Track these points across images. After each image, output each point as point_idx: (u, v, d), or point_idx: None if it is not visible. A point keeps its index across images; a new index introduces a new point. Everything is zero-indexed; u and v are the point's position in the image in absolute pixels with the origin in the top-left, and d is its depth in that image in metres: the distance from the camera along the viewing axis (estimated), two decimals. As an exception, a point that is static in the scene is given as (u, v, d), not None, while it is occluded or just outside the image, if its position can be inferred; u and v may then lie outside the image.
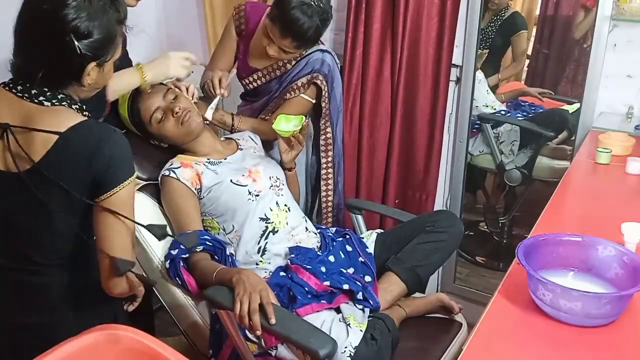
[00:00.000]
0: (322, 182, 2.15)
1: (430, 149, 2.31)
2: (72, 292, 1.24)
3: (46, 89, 1.14)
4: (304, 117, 1.80)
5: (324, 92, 1.98)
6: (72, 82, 1.17)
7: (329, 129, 2.08)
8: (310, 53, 1.94)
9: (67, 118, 1.14)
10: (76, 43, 1.09)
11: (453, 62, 2.28)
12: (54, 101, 1.15)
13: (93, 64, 1.14)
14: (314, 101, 2.01)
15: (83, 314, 1.24)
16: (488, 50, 2.68)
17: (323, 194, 2.16)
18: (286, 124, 1.80)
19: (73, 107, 1.17)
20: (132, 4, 1.71)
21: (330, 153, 2.11)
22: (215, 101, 1.85)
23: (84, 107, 1.21)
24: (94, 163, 1.12)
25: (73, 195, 1.13)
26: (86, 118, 1.18)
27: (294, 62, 1.95)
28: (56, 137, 1.11)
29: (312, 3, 1.73)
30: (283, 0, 1.74)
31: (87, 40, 1.10)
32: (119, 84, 1.58)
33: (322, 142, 2.10)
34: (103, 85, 1.27)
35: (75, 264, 1.23)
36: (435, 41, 2.18)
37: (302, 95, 1.97)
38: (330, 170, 2.14)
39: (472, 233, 2.95)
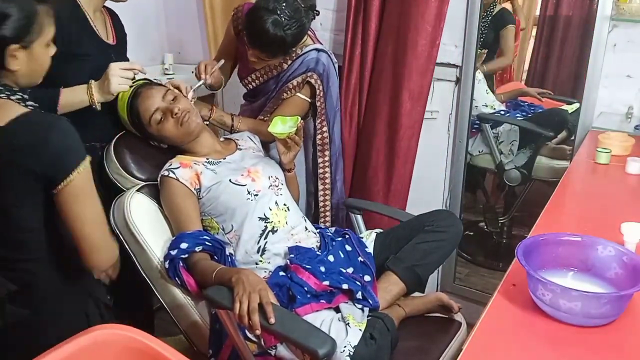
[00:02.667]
0: (320, 182, 2.15)
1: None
2: (53, 287, 1.22)
3: None
4: (299, 118, 1.80)
5: (318, 91, 1.98)
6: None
7: (325, 128, 2.08)
8: (306, 52, 1.94)
9: (7, 111, 1.12)
10: None
11: (453, 62, 2.28)
12: None
13: (15, 45, 1.12)
14: (310, 100, 2.01)
15: (59, 309, 1.23)
16: (483, 48, 2.68)
17: (320, 192, 2.16)
18: (282, 125, 1.80)
19: (12, 98, 1.14)
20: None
21: (327, 152, 2.11)
22: (198, 84, 1.88)
23: (26, 96, 1.18)
24: (41, 155, 1.10)
25: (26, 189, 1.11)
26: (28, 109, 1.14)
27: (290, 62, 1.95)
28: None
29: (280, 15, 1.72)
30: (251, 11, 1.75)
31: (5, 22, 1.08)
32: (70, 99, 1.57)
33: (318, 142, 2.10)
34: (40, 71, 1.22)
35: (52, 258, 1.21)
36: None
37: (298, 94, 1.97)
38: (327, 169, 2.14)
39: (472, 233, 2.95)
